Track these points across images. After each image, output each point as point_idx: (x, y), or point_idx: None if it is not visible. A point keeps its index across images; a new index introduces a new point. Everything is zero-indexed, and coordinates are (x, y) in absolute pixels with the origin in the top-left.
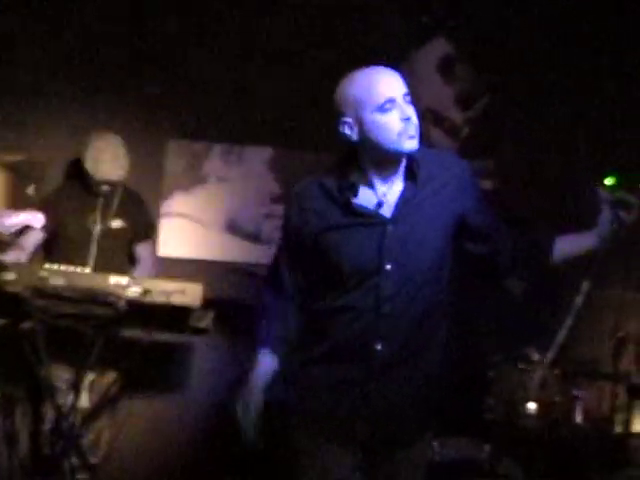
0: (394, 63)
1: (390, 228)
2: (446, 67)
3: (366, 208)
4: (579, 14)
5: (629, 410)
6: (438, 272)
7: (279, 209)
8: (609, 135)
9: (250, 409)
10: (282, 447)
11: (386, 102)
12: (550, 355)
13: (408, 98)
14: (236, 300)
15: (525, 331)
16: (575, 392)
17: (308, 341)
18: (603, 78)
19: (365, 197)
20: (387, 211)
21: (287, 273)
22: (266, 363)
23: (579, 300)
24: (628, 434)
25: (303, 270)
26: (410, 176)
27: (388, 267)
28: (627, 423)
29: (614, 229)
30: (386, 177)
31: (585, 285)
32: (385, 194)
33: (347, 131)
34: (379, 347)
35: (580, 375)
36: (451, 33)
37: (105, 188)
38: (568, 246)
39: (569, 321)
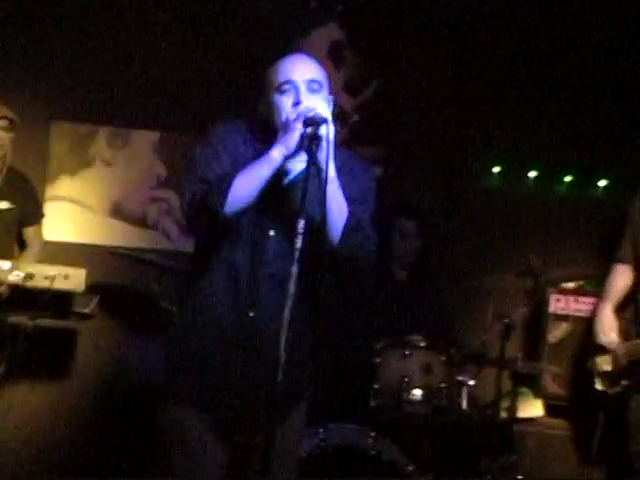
0: (283, 49)
1: (286, 198)
2: (336, 53)
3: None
4: None
5: (514, 396)
6: (316, 246)
7: (165, 193)
8: (499, 121)
9: None
10: (160, 420)
11: (284, 83)
12: None
13: (315, 86)
14: (121, 285)
15: (410, 317)
16: (460, 378)
17: (188, 310)
18: (499, 60)
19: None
20: (288, 179)
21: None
22: None
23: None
24: (513, 420)
25: None
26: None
27: (271, 233)
28: (512, 409)
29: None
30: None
31: None
32: (290, 166)
33: (262, 110)
34: (251, 314)
35: (466, 361)
36: (340, 18)
37: None
38: None
39: None
